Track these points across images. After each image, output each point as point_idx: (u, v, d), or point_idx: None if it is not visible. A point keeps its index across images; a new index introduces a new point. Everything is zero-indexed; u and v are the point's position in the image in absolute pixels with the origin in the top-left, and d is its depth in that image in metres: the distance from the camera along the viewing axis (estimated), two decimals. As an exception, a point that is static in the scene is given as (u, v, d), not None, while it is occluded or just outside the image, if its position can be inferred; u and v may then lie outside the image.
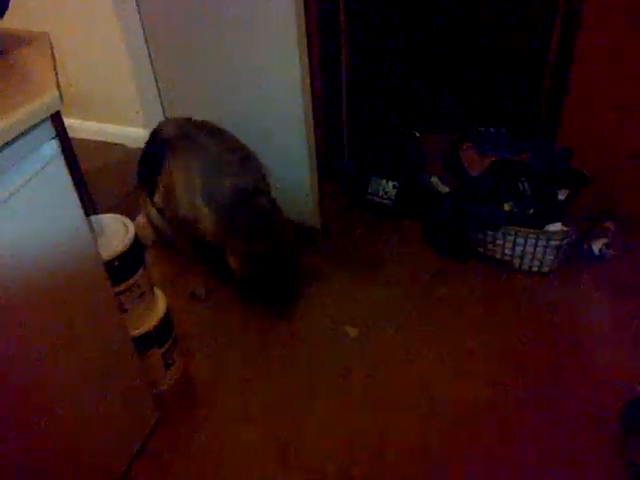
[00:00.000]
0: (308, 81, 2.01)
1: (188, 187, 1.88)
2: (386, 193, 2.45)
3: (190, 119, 2.03)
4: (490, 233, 2.13)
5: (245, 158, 1.93)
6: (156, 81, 2.35)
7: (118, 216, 1.62)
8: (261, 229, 1.85)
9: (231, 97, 2.17)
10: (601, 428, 1.60)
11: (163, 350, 1.72)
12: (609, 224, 2.26)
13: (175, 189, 1.92)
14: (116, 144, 2.85)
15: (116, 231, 1.56)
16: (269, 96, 2.08)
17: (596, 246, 2.19)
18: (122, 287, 1.55)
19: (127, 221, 1.60)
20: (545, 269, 2.12)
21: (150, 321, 1.66)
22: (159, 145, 2.00)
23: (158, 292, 1.75)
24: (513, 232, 2.08)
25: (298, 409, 1.74)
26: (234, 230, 1.85)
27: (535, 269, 2.12)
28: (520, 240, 2.08)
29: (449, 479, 1.54)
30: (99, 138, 2.87)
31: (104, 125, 2.88)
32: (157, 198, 2.03)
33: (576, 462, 1.54)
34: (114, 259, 1.49)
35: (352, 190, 2.55)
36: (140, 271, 1.59)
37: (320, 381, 1.81)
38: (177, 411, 1.74)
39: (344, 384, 1.79)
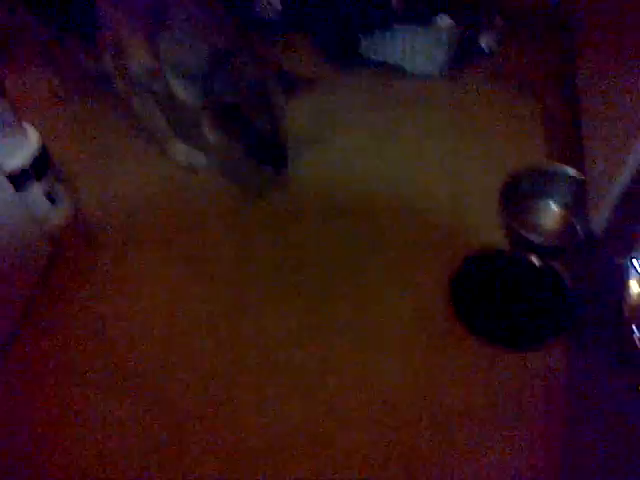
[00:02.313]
0: None
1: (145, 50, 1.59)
2: (270, 4, 2.29)
3: None
4: (380, 35, 2.07)
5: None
6: None
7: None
8: (245, 98, 1.58)
9: None
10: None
11: (44, 185, 1.63)
12: (497, 20, 2.24)
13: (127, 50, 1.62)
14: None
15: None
16: None
17: (485, 42, 2.19)
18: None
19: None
20: (436, 71, 2.10)
21: (22, 155, 1.54)
22: None
23: (27, 125, 1.61)
24: (403, 31, 2.03)
25: (199, 224, 1.75)
26: (211, 102, 1.59)
27: (427, 71, 2.10)
28: (409, 39, 2.03)
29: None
30: None
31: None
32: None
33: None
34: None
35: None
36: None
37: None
38: (73, 245, 1.70)
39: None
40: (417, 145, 1.93)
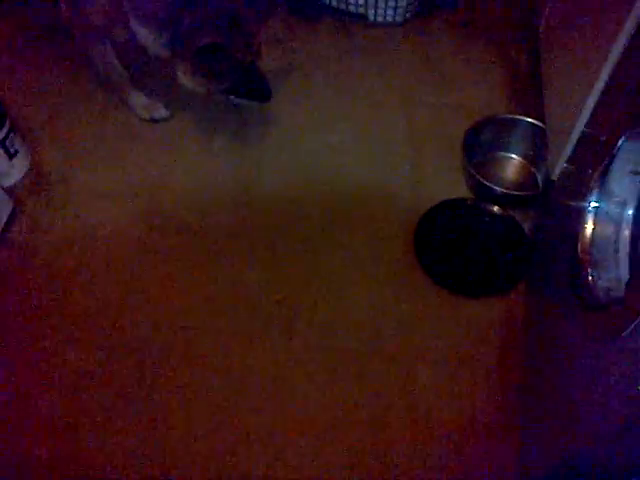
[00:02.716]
0: None
1: None
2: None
3: None
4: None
5: None
6: None
7: None
8: (221, 34, 1.47)
9: None
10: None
11: (1, 138, 1.59)
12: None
13: None
14: None
15: None
16: None
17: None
18: None
19: None
20: (399, 19, 2.08)
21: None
22: None
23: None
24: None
25: (160, 178, 1.73)
26: (185, 47, 1.48)
27: (390, 19, 2.08)
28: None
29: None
30: None
31: None
32: None
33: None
34: None
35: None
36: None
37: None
38: (33, 201, 1.66)
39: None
40: (381, 96, 1.92)
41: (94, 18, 1.56)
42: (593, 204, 1.06)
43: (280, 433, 1.29)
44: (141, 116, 1.83)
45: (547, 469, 1.10)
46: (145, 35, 1.51)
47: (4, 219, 1.59)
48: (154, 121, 1.83)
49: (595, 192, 1.06)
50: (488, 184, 1.56)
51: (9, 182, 1.67)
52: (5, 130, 1.60)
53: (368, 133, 1.83)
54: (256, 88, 1.63)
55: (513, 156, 1.71)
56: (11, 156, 1.64)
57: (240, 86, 1.61)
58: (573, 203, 1.21)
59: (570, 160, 1.37)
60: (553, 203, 1.45)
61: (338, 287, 1.51)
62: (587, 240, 1.06)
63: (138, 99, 1.82)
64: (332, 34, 2.11)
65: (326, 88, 1.95)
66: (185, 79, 1.55)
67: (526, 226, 1.56)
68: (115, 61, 1.72)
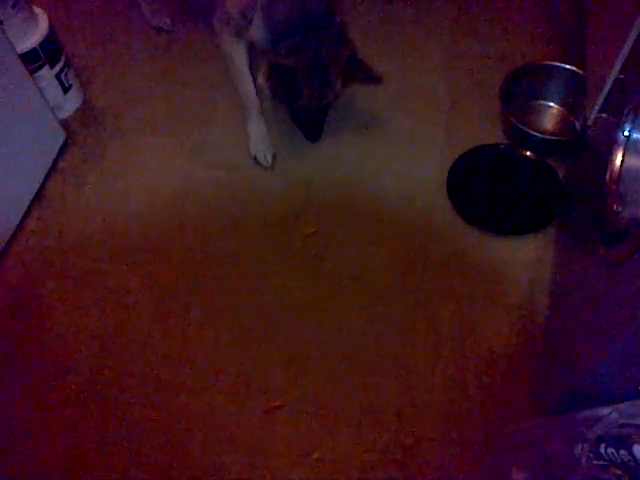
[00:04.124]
0: None
1: None
2: None
3: None
4: None
5: None
6: None
7: None
8: (306, 69, 1.50)
9: None
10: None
11: (56, 71, 1.67)
12: None
13: None
14: None
15: None
16: None
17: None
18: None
19: None
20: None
21: (33, 37, 1.58)
22: None
23: (37, 9, 1.64)
24: None
25: (204, 117, 1.79)
26: (274, 55, 1.51)
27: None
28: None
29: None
30: None
31: None
32: None
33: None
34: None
35: None
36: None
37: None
38: (84, 133, 1.76)
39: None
40: (421, 44, 1.93)
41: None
42: (624, 134, 1.07)
43: (303, 356, 1.37)
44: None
45: (563, 395, 1.14)
46: (259, 25, 1.52)
47: (56, 149, 1.69)
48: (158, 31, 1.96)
49: (627, 125, 1.07)
50: (525, 129, 1.57)
51: (63, 115, 1.76)
52: (60, 64, 1.69)
53: (406, 80, 1.84)
54: (310, 128, 1.65)
55: (551, 104, 1.71)
56: (65, 90, 1.73)
57: (299, 116, 1.64)
58: (605, 144, 1.22)
59: (604, 106, 1.38)
60: (586, 147, 1.45)
61: (369, 225, 1.57)
62: (616, 170, 1.07)
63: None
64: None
65: (367, 32, 1.96)
66: (260, 79, 1.58)
67: (561, 172, 1.57)
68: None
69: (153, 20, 1.97)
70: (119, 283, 1.48)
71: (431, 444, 1.23)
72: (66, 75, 1.72)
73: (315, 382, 1.33)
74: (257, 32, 1.53)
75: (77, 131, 1.75)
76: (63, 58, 1.70)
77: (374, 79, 1.58)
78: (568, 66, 1.66)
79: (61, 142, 1.70)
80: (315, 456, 1.24)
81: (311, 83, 1.51)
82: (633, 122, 1.07)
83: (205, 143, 1.73)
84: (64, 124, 1.73)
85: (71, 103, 1.78)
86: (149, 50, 1.94)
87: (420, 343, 1.37)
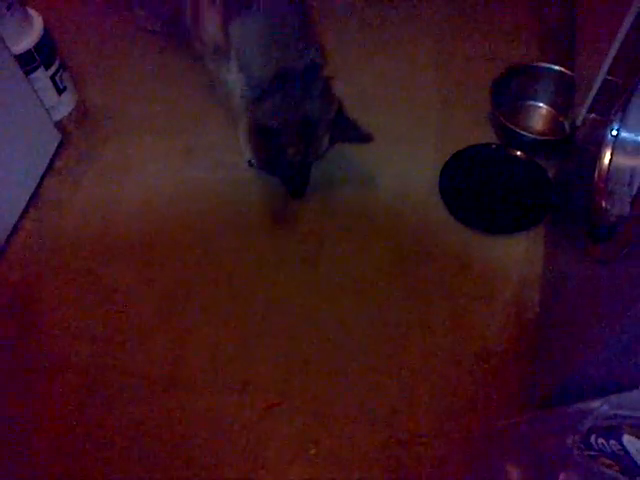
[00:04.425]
0: None
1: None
2: None
3: None
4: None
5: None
6: None
7: None
8: (289, 128, 1.43)
9: None
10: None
11: (51, 72, 1.68)
12: None
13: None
14: None
15: None
16: None
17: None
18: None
19: None
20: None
21: (28, 38, 1.59)
22: None
23: (32, 11, 1.65)
24: None
25: (199, 117, 1.80)
26: (254, 115, 1.47)
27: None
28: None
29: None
30: None
31: None
32: None
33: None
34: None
35: None
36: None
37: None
38: (79, 134, 1.77)
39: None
40: (412, 46, 1.95)
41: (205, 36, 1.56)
42: (612, 133, 1.10)
43: (300, 355, 1.38)
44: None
45: (555, 389, 1.17)
46: (235, 77, 1.49)
47: (52, 150, 1.70)
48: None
49: (615, 124, 1.10)
50: (515, 129, 1.60)
51: (58, 116, 1.77)
52: (55, 66, 1.69)
53: (397, 80, 1.87)
54: (294, 184, 1.58)
55: (540, 104, 1.74)
56: (60, 91, 1.74)
57: (282, 173, 1.57)
58: (594, 143, 1.25)
59: (592, 106, 1.41)
60: (575, 147, 1.49)
61: (364, 225, 1.59)
62: (604, 169, 1.10)
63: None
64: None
65: (357, 34, 1.99)
66: (241, 133, 1.55)
67: (550, 171, 1.60)
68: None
69: (144, 23, 1.98)
70: (117, 282, 1.49)
71: (426, 440, 1.25)
72: (61, 76, 1.72)
73: (312, 380, 1.35)
74: (236, 83, 1.49)
75: (72, 132, 1.76)
76: (58, 60, 1.70)
77: (363, 138, 1.51)
78: (557, 67, 1.69)
79: (57, 143, 1.71)
80: (312, 452, 1.26)
81: (295, 143, 1.44)
82: (620, 121, 1.10)
83: (201, 144, 1.74)
84: (59, 125, 1.74)
85: (66, 104, 1.79)
86: (143, 51, 1.95)
87: (414, 341, 1.39)
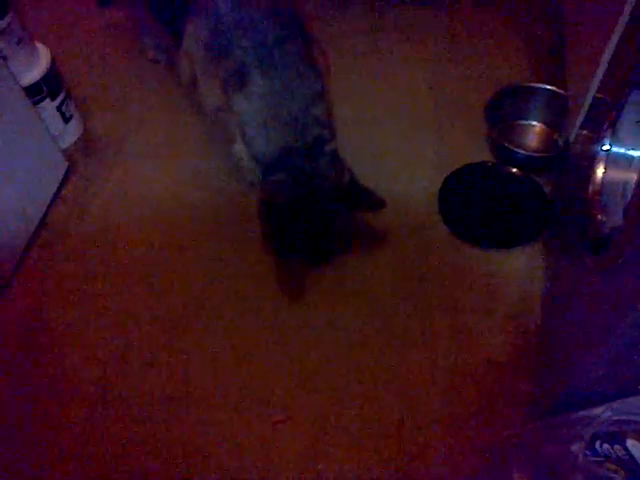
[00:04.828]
0: None
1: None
2: None
3: None
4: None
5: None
6: None
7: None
8: (300, 201, 1.39)
9: None
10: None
11: (57, 102, 1.73)
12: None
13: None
14: None
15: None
16: None
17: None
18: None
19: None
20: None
21: (35, 70, 1.65)
22: None
23: (40, 45, 1.70)
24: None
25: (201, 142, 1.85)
26: (262, 191, 1.43)
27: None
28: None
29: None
30: None
31: None
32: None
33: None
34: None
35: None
36: (10, 14, 1.53)
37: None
38: (86, 162, 1.82)
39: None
40: (408, 71, 2.01)
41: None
42: (605, 148, 1.14)
43: (305, 370, 1.41)
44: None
45: (558, 398, 1.19)
46: (240, 149, 1.50)
47: (60, 178, 1.74)
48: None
49: (606, 139, 1.15)
50: (509, 147, 1.65)
51: (64, 145, 1.81)
52: (62, 96, 1.75)
53: (393, 103, 1.92)
54: (312, 254, 1.55)
55: (534, 123, 1.79)
56: (67, 120, 1.79)
57: (298, 247, 1.53)
58: (586, 159, 1.29)
59: (584, 123, 1.46)
60: (569, 163, 1.53)
61: (365, 242, 1.62)
62: (598, 183, 1.15)
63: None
64: (362, 11, 2.21)
65: (354, 61, 2.06)
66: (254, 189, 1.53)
67: (546, 187, 1.64)
68: None
69: (150, 53, 2.05)
70: (123, 307, 1.51)
71: (434, 451, 1.26)
72: (67, 106, 1.78)
73: (317, 395, 1.37)
74: (241, 152, 1.50)
75: (79, 160, 1.81)
76: (64, 90, 1.76)
77: (377, 205, 1.45)
78: (549, 86, 1.75)
79: (64, 171, 1.75)
80: (319, 467, 1.27)
81: (303, 218, 1.41)
82: (611, 137, 1.15)
83: (206, 168, 1.79)
84: (66, 154, 1.79)
85: (72, 133, 1.84)
86: (147, 80, 2.01)
87: (417, 354, 1.42)
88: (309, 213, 1.41)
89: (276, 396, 1.37)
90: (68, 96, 1.78)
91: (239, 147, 1.51)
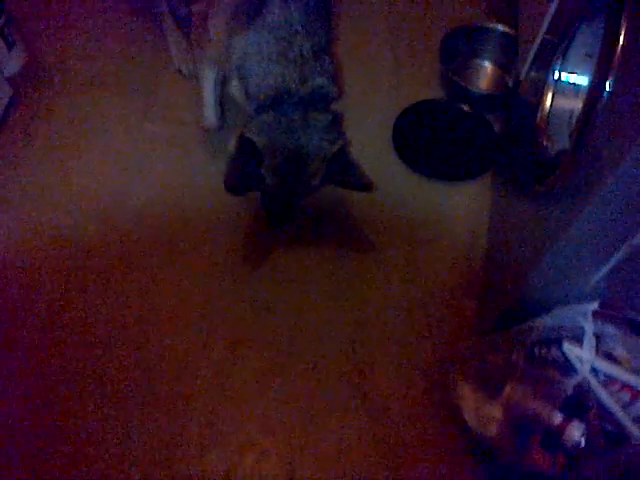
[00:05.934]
0: None
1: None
2: None
3: None
4: None
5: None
6: None
7: None
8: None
9: None
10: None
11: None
12: None
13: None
14: None
15: None
16: None
17: None
18: None
19: None
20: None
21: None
22: None
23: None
24: None
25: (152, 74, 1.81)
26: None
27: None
28: None
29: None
30: None
31: None
32: None
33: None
34: None
35: None
36: None
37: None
38: (31, 90, 1.74)
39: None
40: (363, 15, 2.01)
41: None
42: (554, 77, 1.19)
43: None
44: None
45: (498, 317, 1.27)
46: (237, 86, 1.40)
47: (3, 105, 1.67)
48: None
49: (556, 69, 1.20)
50: (462, 84, 1.69)
51: (8, 72, 1.73)
52: (3, 19, 1.66)
53: (352, 47, 1.90)
54: (274, 214, 1.44)
55: (486, 62, 1.84)
56: (10, 45, 1.71)
57: (263, 199, 1.43)
58: (534, 97, 1.34)
59: (533, 63, 1.50)
60: (517, 101, 1.58)
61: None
62: (546, 111, 1.20)
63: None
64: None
65: None
66: (230, 146, 1.37)
67: (495, 124, 1.70)
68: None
69: (179, 65, 1.82)
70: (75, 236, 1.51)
71: (384, 368, 1.33)
72: (9, 30, 1.69)
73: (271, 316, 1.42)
74: (235, 91, 1.41)
75: (24, 88, 1.73)
76: (5, 12, 1.67)
77: (362, 187, 1.33)
78: (501, 27, 1.79)
79: (8, 98, 1.68)
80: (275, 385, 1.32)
81: (277, 173, 1.31)
82: (561, 65, 1.19)
83: (162, 99, 1.75)
84: (10, 81, 1.71)
85: (16, 60, 1.75)
86: (96, 5, 1.93)
87: (371, 282, 1.47)
88: (283, 171, 1.31)
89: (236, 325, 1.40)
90: (10, 19, 1.69)
91: (235, 83, 1.40)
